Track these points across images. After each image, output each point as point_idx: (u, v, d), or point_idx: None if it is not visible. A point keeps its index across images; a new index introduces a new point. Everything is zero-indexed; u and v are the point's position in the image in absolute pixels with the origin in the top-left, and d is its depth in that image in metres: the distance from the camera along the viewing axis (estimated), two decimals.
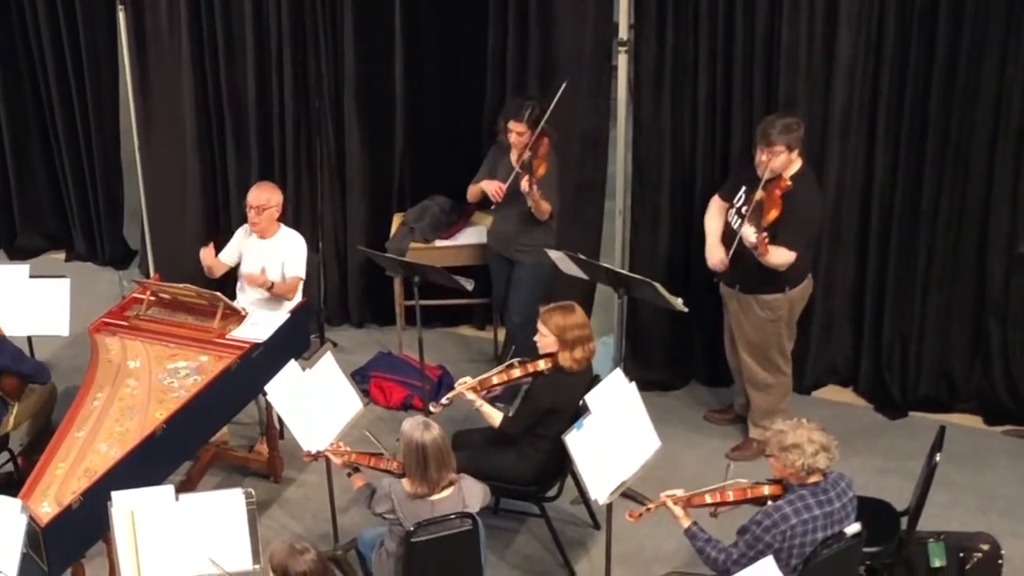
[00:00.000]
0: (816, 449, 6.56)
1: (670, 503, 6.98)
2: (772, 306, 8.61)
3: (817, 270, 9.02)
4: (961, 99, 8.72)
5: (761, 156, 8.30)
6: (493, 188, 9.23)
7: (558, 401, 7.86)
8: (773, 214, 8.19)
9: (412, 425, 7.04)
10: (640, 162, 9.54)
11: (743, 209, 8.35)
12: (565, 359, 7.85)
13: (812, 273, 8.90)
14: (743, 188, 8.46)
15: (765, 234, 8.12)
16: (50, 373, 9.10)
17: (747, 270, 8.49)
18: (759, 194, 8.24)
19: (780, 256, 8.26)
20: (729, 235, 8.52)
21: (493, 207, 9.37)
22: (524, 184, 8.93)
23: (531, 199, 8.95)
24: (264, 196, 9.18)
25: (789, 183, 8.27)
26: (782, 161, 8.26)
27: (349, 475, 7.56)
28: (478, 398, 8.00)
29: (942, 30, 8.62)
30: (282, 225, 9.37)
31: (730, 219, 8.53)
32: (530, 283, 9.38)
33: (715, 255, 8.64)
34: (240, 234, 9.48)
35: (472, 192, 9.52)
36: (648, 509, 7.08)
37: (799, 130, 8.31)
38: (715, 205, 8.80)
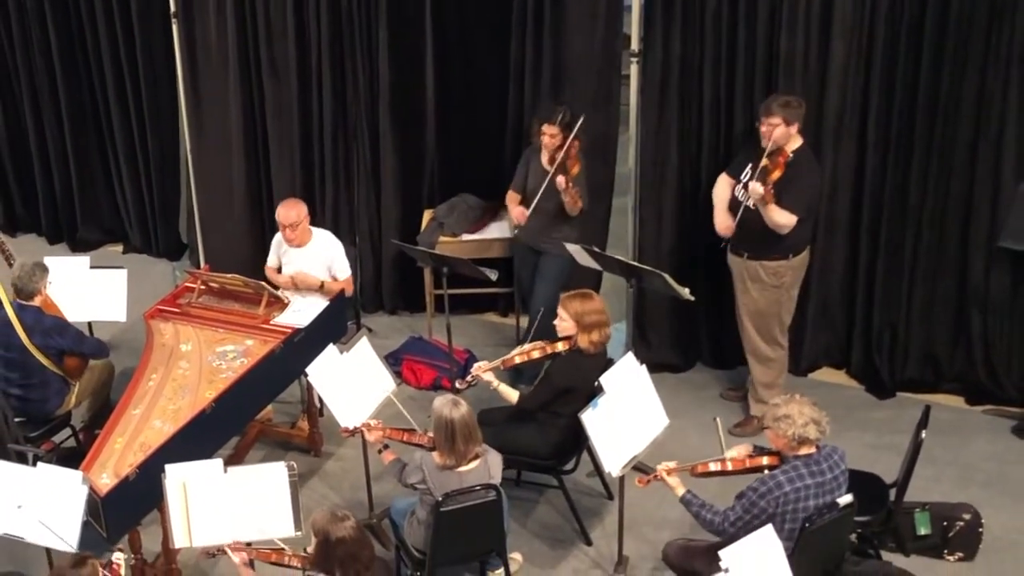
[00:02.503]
0: (806, 421, 6.59)
1: (664, 475, 7.05)
2: (776, 272, 8.63)
3: (813, 262, 9.01)
4: (945, 105, 8.69)
5: (762, 128, 8.38)
6: (516, 213, 9.41)
7: (574, 381, 7.86)
8: (777, 174, 8.27)
9: (442, 403, 7.06)
10: (644, 164, 9.53)
11: (749, 179, 8.43)
12: (583, 341, 7.85)
13: (810, 265, 8.96)
14: (749, 165, 8.51)
15: (771, 187, 8.22)
16: (108, 350, 9.12)
17: (754, 237, 8.56)
18: (764, 160, 8.31)
19: (783, 216, 8.33)
20: (734, 206, 8.62)
21: (522, 202, 9.42)
22: (560, 182, 8.90)
23: (567, 196, 8.95)
24: (294, 213, 9.01)
25: (791, 155, 8.34)
26: (781, 133, 8.31)
27: (380, 452, 7.57)
28: (495, 380, 8.02)
29: (928, 41, 8.59)
30: (312, 229, 9.30)
31: (737, 193, 8.60)
32: (554, 273, 9.38)
33: (724, 222, 8.72)
34: (277, 242, 9.42)
35: (508, 199, 9.59)
36: (651, 479, 7.12)
37: (799, 108, 8.37)
38: (723, 180, 8.85)
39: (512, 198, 9.55)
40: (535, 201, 9.17)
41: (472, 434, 7.06)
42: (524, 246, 9.64)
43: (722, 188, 8.83)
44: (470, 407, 7.11)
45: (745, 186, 8.50)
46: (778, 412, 6.66)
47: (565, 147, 8.94)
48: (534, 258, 9.52)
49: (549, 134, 9.07)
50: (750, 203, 8.45)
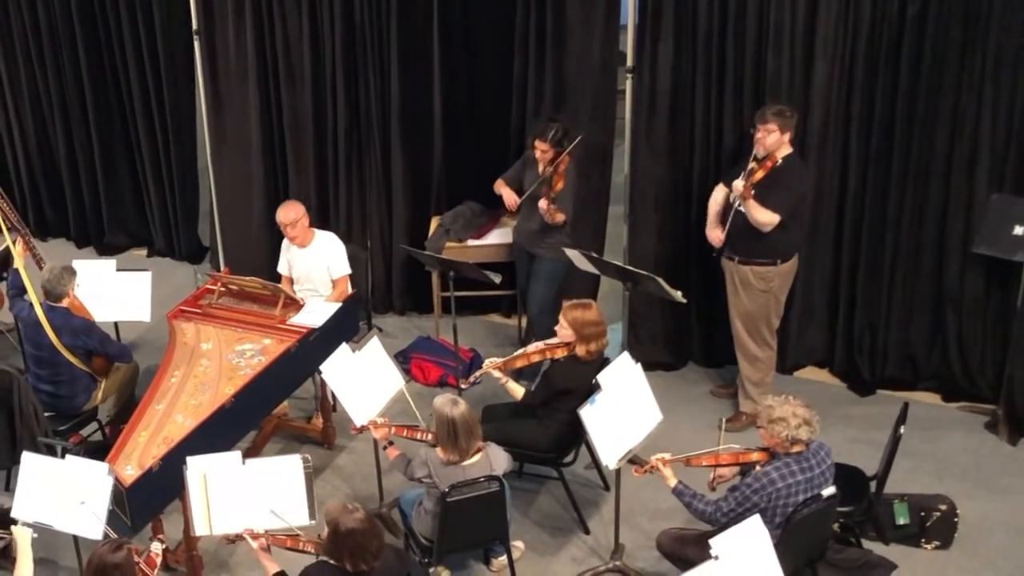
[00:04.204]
0: (799, 423, 6.59)
1: (660, 465, 7.07)
2: (765, 276, 8.65)
3: (799, 266, 9.01)
4: (922, 121, 8.71)
5: (757, 134, 8.39)
6: (510, 200, 9.42)
7: (571, 384, 7.86)
8: (760, 175, 8.32)
9: (442, 402, 7.07)
10: (637, 174, 9.53)
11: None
12: (580, 350, 7.87)
13: (797, 270, 8.95)
14: (742, 174, 8.51)
15: (751, 185, 8.28)
16: (132, 354, 9.12)
17: (745, 243, 8.58)
18: (752, 164, 8.36)
19: (764, 215, 8.35)
20: (726, 210, 8.65)
21: (518, 209, 9.44)
22: (542, 203, 9.00)
23: (547, 214, 9.02)
24: (291, 213, 9.14)
25: (779, 160, 8.38)
26: (774, 140, 8.33)
27: (384, 448, 7.59)
28: (503, 375, 8.03)
29: (905, 62, 8.61)
30: (315, 230, 9.39)
31: (731, 199, 8.59)
32: (547, 277, 9.40)
33: (712, 233, 8.81)
34: (285, 245, 9.48)
35: (497, 185, 9.58)
36: (648, 469, 7.14)
37: (791, 117, 8.39)
38: (719, 191, 8.87)
39: (499, 184, 9.61)
40: (527, 193, 9.30)
41: (472, 430, 7.07)
42: (521, 249, 9.68)
43: (716, 200, 8.86)
44: (468, 404, 7.13)
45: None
46: (772, 414, 6.66)
47: (554, 164, 9.00)
48: (530, 261, 9.55)
49: (541, 149, 9.11)
50: (740, 206, 8.46)
